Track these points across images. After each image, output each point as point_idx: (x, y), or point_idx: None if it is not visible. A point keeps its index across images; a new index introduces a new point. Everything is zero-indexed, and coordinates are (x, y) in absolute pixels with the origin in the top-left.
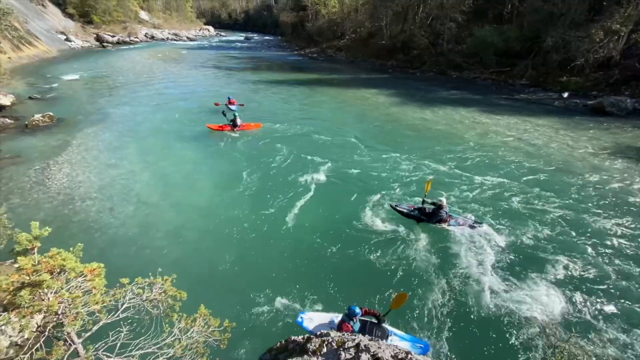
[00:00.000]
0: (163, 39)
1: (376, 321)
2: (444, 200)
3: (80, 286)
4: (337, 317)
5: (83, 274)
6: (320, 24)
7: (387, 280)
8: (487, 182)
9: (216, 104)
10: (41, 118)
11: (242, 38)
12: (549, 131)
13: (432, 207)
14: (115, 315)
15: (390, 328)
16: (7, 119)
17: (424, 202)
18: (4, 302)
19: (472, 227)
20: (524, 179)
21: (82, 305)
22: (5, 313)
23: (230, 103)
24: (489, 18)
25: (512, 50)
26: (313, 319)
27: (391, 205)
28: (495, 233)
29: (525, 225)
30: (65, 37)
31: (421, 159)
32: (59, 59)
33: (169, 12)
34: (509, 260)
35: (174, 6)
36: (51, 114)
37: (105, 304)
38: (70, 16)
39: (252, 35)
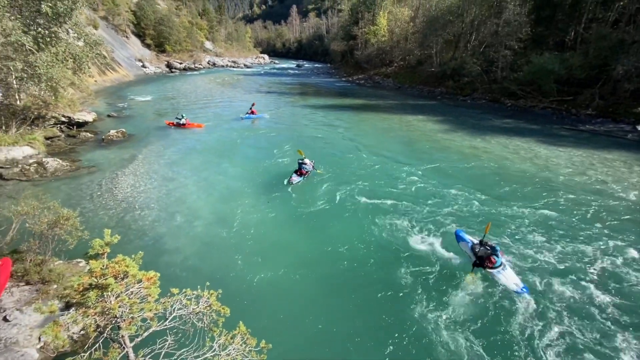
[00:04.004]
0: (223, 66)
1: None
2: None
3: (137, 292)
4: None
5: (141, 281)
6: (369, 52)
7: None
8: (550, 224)
9: (252, 112)
10: (115, 133)
11: (293, 65)
12: (621, 167)
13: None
14: (163, 324)
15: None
16: (88, 133)
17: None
18: (74, 301)
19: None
20: (591, 221)
21: (138, 311)
22: (74, 311)
23: (252, 112)
24: (549, 45)
25: (575, 79)
26: None
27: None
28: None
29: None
30: (141, 63)
31: (470, 190)
32: (134, 82)
33: (230, 42)
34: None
35: (234, 37)
36: (124, 130)
37: (156, 312)
38: (148, 46)
39: (303, 62)
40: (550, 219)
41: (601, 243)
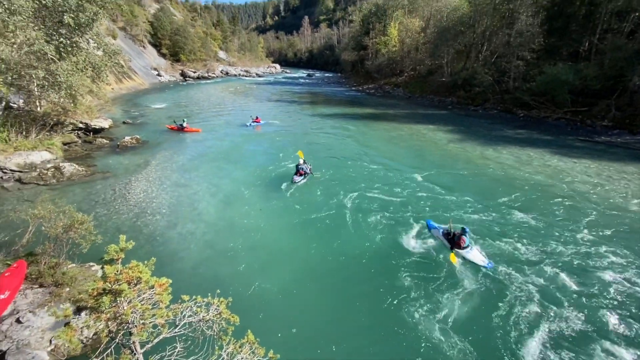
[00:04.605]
0: (235, 75)
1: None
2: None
3: (150, 299)
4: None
5: (153, 287)
6: (379, 61)
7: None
8: (564, 236)
9: (256, 120)
10: (130, 140)
11: (304, 75)
12: (639, 179)
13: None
14: (173, 331)
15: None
16: (104, 140)
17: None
18: (88, 305)
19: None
20: (609, 236)
21: (150, 317)
22: (87, 316)
23: (256, 121)
24: (562, 56)
25: (590, 89)
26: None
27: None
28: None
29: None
30: (157, 72)
31: (479, 199)
32: (150, 90)
33: (243, 52)
34: None
35: (247, 47)
36: (138, 136)
37: (167, 318)
38: (163, 55)
39: (314, 72)
40: (564, 231)
41: (616, 257)
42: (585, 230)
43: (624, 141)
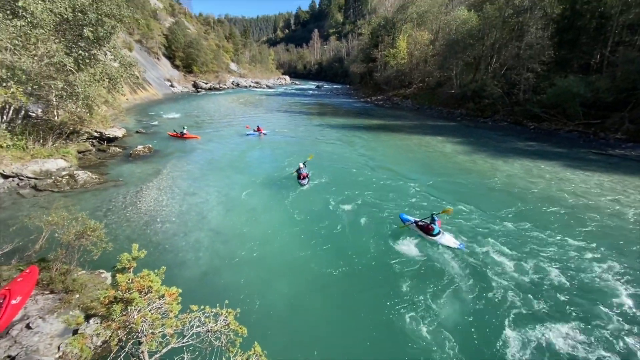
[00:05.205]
0: (246, 86)
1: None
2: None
3: (159, 308)
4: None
5: (163, 296)
6: (388, 73)
7: None
8: (582, 254)
9: (247, 127)
10: (142, 149)
11: (313, 86)
12: None
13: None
14: (181, 341)
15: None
16: (117, 148)
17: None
18: (100, 313)
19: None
20: (620, 251)
21: (160, 327)
22: (98, 324)
23: (258, 130)
24: (573, 68)
25: (603, 102)
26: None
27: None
28: None
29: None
30: (170, 83)
31: (489, 211)
32: (163, 101)
33: (254, 64)
34: None
35: (258, 59)
36: (150, 145)
37: (176, 328)
38: (177, 67)
39: (322, 84)
40: (575, 244)
41: (625, 269)
42: (596, 244)
43: (638, 154)
